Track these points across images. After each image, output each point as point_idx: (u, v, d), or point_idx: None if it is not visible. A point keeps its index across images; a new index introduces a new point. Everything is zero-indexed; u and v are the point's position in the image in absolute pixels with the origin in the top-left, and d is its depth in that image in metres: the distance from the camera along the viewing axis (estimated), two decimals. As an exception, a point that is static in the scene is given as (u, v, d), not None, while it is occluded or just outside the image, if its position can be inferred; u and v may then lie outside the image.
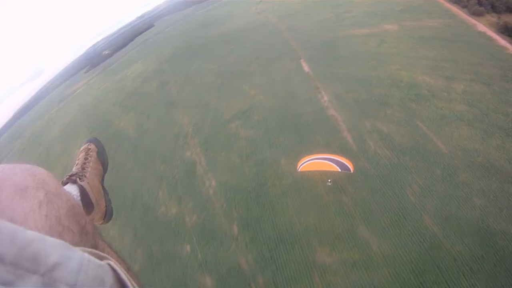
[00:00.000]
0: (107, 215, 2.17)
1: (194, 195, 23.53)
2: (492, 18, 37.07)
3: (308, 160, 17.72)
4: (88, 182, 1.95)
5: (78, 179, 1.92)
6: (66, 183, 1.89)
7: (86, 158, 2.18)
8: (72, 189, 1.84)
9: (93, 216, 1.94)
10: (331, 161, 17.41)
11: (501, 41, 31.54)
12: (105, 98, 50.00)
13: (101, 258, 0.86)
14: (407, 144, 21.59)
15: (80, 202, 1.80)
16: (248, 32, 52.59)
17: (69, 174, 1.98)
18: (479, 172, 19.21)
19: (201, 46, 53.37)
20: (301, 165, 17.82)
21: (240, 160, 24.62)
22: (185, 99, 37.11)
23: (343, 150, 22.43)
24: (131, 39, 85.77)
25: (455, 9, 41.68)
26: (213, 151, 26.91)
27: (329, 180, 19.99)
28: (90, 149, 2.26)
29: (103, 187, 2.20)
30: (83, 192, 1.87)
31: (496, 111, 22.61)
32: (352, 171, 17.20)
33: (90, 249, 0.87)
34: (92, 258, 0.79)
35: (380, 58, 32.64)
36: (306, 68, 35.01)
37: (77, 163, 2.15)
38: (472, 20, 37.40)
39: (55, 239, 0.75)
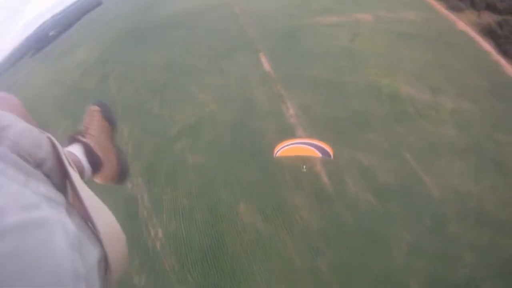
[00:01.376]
0: (121, 173, 1.98)
1: (139, 248, 18.41)
2: (472, 15, 34.02)
3: (287, 145, 16.12)
4: (92, 139, 1.80)
5: (80, 137, 1.79)
6: (69, 145, 1.72)
7: (90, 119, 2.02)
8: (75, 149, 1.69)
9: (105, 172, 1.79)
10: (311, 146, 15.72)
11: (484, 44, 28.61)
12: (44, 93, 40.19)
13: (44, 133, 1.01)
14: (393, 184, 18.01)
15: (86, 161, 1.65)
16: (200, 15, 44.89)
17: (72, 134, 1.82)
18: (471, 221, 16.38)
19: (147, 31, 44.81)
20: (278, 150, 16.16)
21: (189, 201, 19.67)
22: (124, 103, 30.16)
23: (316, 192, 18.48)
24: (78, 18, 73.77)
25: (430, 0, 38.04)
26: (156, 184, 21.58)
27: (304, 167, 17.89)
28: (94, 110, 2.08)
29: (114, 144, 2.00)
30: (87, 149, 1.72)
31: (487, 139, 19.67)
32: (332, 158, 15.74)
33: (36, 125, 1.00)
34: (35, 128, 0.96)
35: (355, 57, 28.23)
36: (266, 65, 29.65)
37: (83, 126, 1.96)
38: (451, 16, 34.00)
39: (9, 113, 0.95)
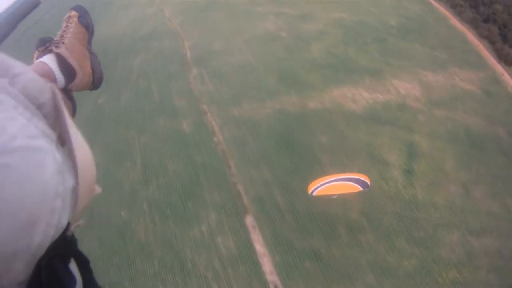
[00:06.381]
0: (96, 79, 1.95)
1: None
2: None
3: (324, 184, 13.72)
4: (66, 48, 1.77)
5: (54, 47, 1.75)
6: (42, 56, 1.72)
7: (66, 26, 1.91)
8: (49, 60, 1.70)
9: (79, 81, 1.79)
10: (348, 181, 13.86)
11: None
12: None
13: (48, 82, 1.11)
14: None
15: (59, 72, 1.69)
16: (127, 49, 23.69)
17: (48, 45, 1.80)
18: None
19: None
20: (314, 189, 13.68)
21: None
22: None
23: None
24: (15, 24, 47.76)
25: (471, 37, 27.93)
26: None
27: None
28: (70, 16, 1.97)
29: (89, 50, 1.95)
30: (60, 59, 1.71)
31: None
32: (369, 187, 13.81)
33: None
34: (41, 78, 1.06)
35: (422, 248, 14.34)
36: (266, 266, 13.46)
37: (58, 34, 1.89)
38: (510, 82, 24.77)
39: (21, 63, 1.02)
